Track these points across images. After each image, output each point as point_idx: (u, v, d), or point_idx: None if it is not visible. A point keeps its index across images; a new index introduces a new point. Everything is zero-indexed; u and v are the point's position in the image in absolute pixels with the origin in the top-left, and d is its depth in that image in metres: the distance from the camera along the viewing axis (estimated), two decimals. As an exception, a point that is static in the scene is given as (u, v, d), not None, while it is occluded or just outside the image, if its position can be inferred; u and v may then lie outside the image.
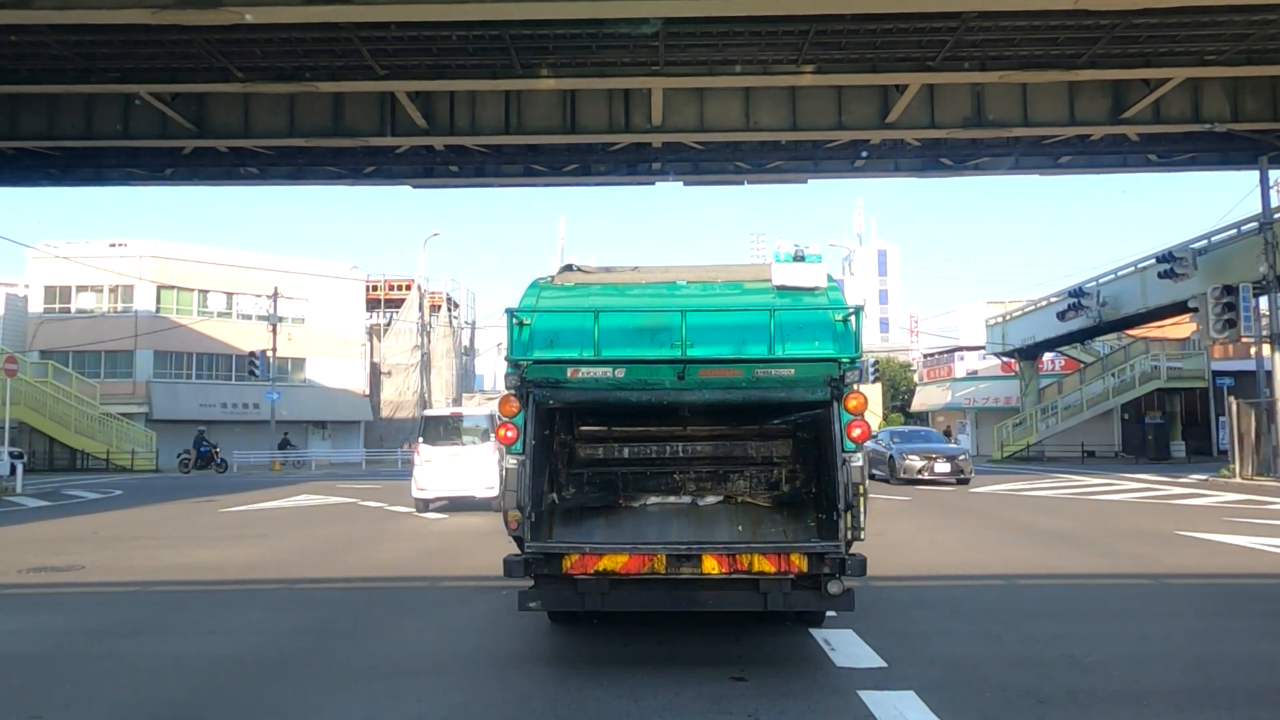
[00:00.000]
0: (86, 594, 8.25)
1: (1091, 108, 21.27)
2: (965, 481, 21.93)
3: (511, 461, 5.46)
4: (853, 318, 5.62)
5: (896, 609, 7.12)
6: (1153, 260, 27.72)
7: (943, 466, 22.27)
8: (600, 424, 6.56)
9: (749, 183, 26.45)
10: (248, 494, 21.08)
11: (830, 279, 6.24)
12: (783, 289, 6.10)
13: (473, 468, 15.28)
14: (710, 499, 6.39)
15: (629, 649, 5.86)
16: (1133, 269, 30.16)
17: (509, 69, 18.29)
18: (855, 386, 5.52)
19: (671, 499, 6.39)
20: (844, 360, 5.49)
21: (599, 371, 5.55)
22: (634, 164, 25.00)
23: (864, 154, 24.27)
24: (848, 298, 6.20)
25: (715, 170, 25.41)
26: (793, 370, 5.55)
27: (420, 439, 16.37)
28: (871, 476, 25.91)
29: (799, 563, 5.22)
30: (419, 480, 15.69)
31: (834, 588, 5.23)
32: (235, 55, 17.76)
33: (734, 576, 5.24)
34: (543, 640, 6.18)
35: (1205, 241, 25.61)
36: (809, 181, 26.87)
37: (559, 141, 22.54)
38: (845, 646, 5.80)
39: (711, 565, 5.22)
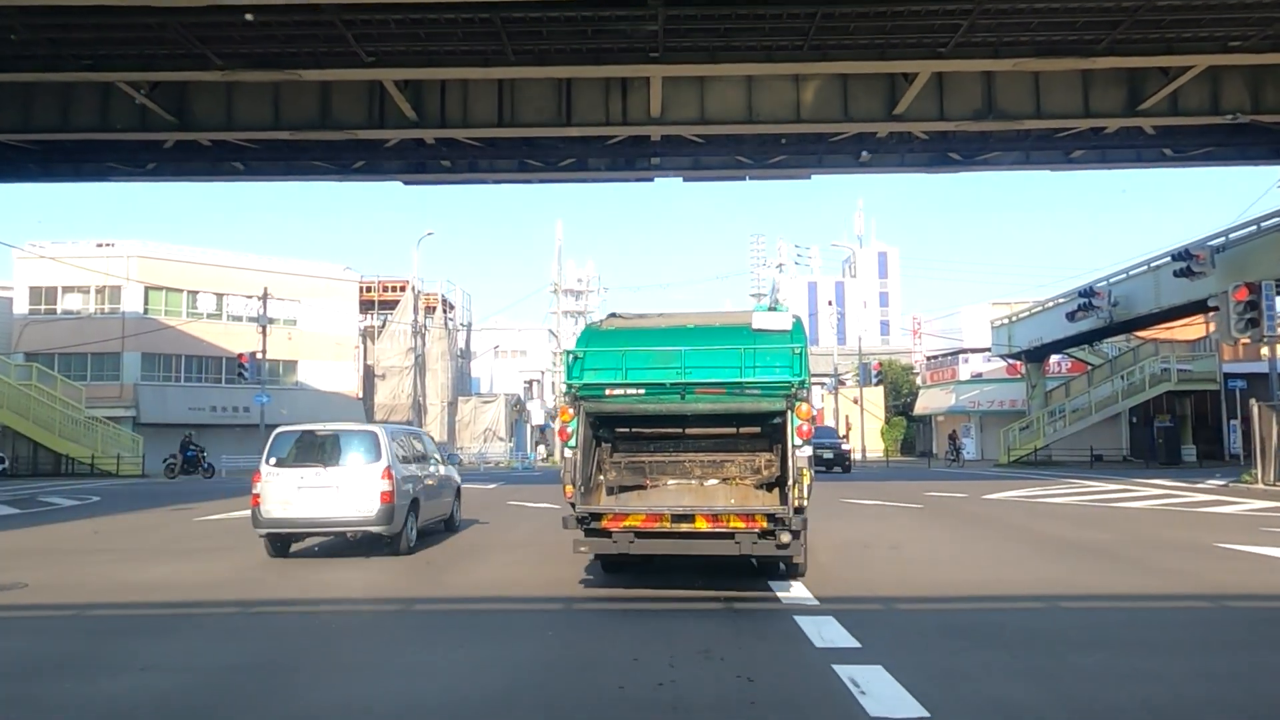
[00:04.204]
0: (18, 619, 7.38)
1: (1106, 99, 20.46)
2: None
3: (568, 453, 7.65)
4: (802, 351, 7.77)
5: (928, 638, 6.27)
6: (1167, 259, 26.90)
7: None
8: (632, 427, 8.53)
9: (751, 178, 25.63)
10: (229, 501, 20.21)
11: (796, 321, 8.37)
12: (759, 331, 8.12)
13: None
14: (712, 480, 8.40)
15: (624, 692, 5.01)
16: (1146, 268, 29.32)
17: (501, 56, 17.45)
18: (804, 399, 7.51)
19: (684, 480, 8.41)
20: (795, 382, 7.54)
21: (627, 390, 7.73)
22: (632, 159, 24.17)
23: (866, 151, 23.45)
24: (806, 334, 8.38)
25: (716, 165, 24.56)
26: (759, 389, 7.65)
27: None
28: None
29: (761, 521, 7.28)
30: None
31: (784, 537, 7.24)
32: (213, 40, 16.91)
33: (717, 531, 7.32)
34: (524, 677, 5.32)
35: (1223, 239, 24.79)
36: (812, 177, 26.02)
37: (554, 134, 21.69)
38: (877, 688, 4.96)
39: (702, 523, 7.34)
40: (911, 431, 55.95)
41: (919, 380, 55.93)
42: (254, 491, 10.65)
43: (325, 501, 10.43)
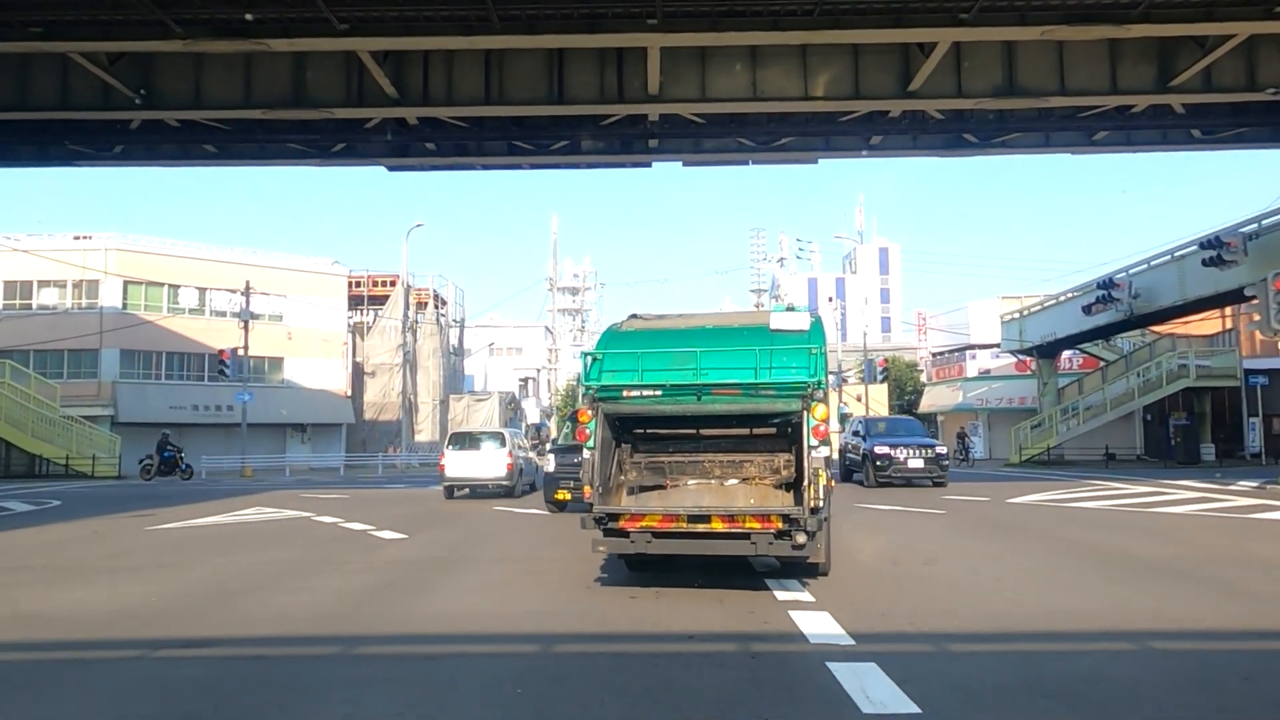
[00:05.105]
0: None
1: (1135, 74, 19.09)
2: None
3: (586, 454, 7.63)
4: (819, 352, 7.60)
5: (1006, 700, 4.87)
6: (1194, 247, 25.53)
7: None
8: (650, 428, 8.47)
9: (754, 162, 24.22)
10: (196, 506, 18.82)
11: (815, 321, 8.21)
12: (777, 332, 8.01)
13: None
14: (732, 481, 8.21)
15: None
16: (1169, 257, 27.92)
17: (486, 23, 16.05)
18: (820, 399, 7.41)
19: (704, 480, 8.25)
20: (811, 382, 7.41)
21: (644, 392, 7.69)
22: (629, 141, 22.72)
23: (876, 133, 22.06)
24: (825, 334, 8.21)
25: (717, 149, 23.11)
26: (774, 390, 7.53)
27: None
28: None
29: (776, 521, 7.18)
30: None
31: (800, 538, 7.14)
32: (170, 5, 15.51)
33: (733, 531, 7.27)
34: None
35: (1256, 225, 23.39)
36: (819, 161, 24.56)
37: (545, 113, 20.27)
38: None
39: (717, 523, 7.28)
40: (916, 430, 54.51)
41: (924, 377, 54.56)
42: (440, 463, 20.28)
43: (478, 468, 19.67)
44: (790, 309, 8.57)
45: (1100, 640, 6.19)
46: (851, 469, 23.95)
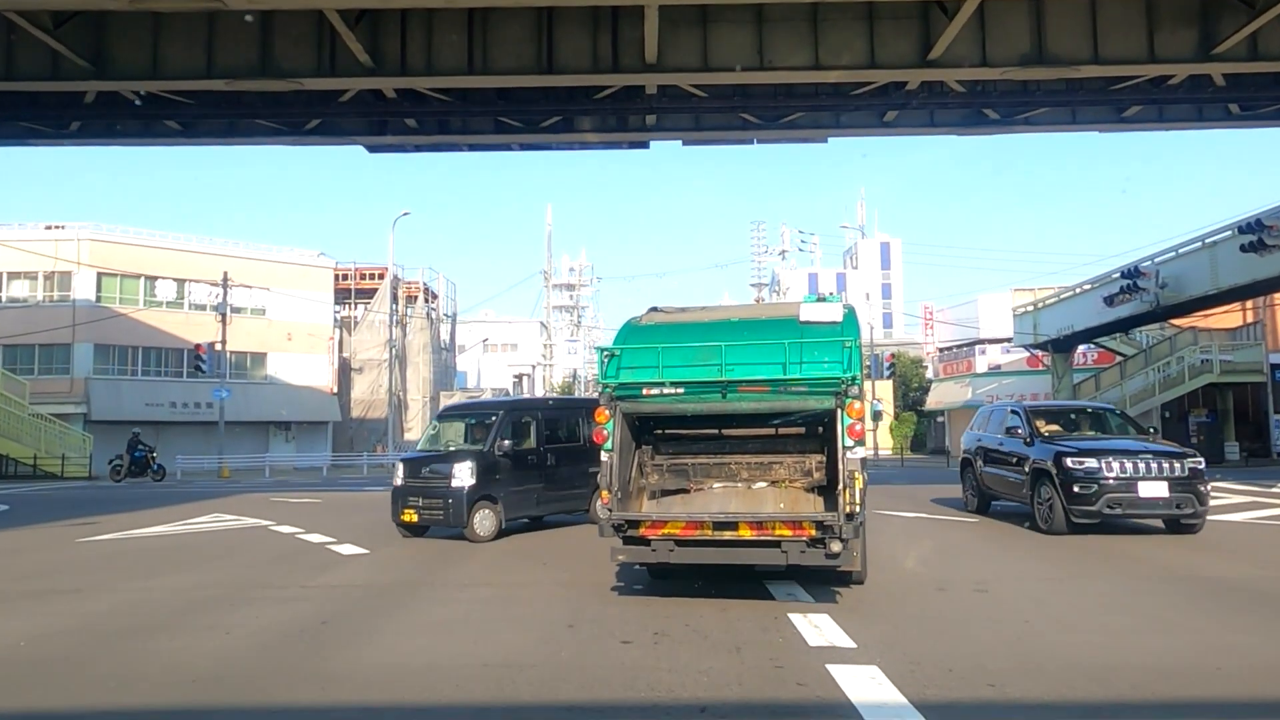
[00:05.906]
0: None
1: (1174, 41, 17.47)
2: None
3: (604, 456, 7.33)
4: (854, 345, 7.22)
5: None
6: (1228, 233, 23.96)
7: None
8: (672, 428, 8.13)
9: (759, 140, 22.54)
10: (150, 512, 17.22)
11: (848, 312, 7.74)
12: (807, 324, 7.57)
13: None
14: (760, 483, 7.92)
15: None
16: (1200, 244, 26.31)
17: (465, -23, 14.46)
18: (856, 396, 6.98)
19: (730, 483, 7.94)
20: (845, 378, 7.03)
21: (665, 390, 7.41)
22: (624, 116, 21.05)
23: (891, 108, 20.47)
24: (859, 326, 7.78)
25: (720, 126, 21.46)
26: (805, 386, 7.20)
27: None
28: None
29: (809, 529, 6.85)
30: None
31: (835, 546, 6.73)
32: (110, -47, 13.93)
33: (762, 539, 6.95)
34: None
35: (1300, 208, 21.82)
36: (829, 140, 22.95)
37: (534, 84, 18.55)
38: None
39: (745, 531, 6.97)
40: (922, 428, 53.05)
41: (930, 373, 53.01)
42: None
43: None
44: (822, 299, 8.09)
45: (1250, 711, 4.59)
46: (990, 493, 14.35)
